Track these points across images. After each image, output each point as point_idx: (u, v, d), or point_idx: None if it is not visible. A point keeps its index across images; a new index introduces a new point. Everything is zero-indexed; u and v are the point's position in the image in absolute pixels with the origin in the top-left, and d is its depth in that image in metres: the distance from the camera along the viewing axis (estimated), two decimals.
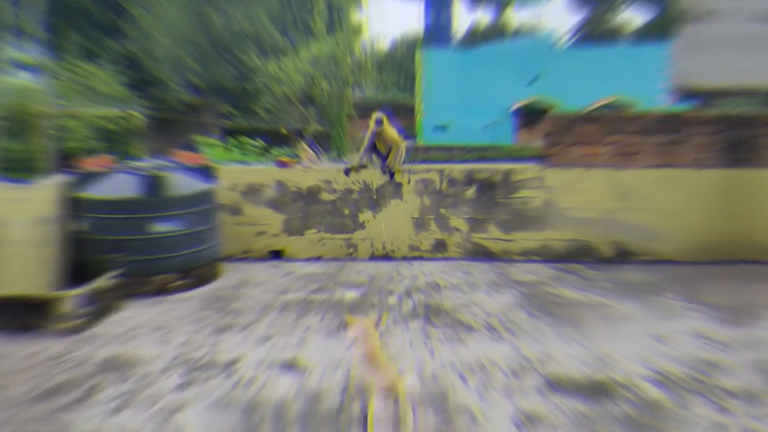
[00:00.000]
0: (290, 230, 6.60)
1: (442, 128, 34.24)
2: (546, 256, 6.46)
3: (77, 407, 3.39)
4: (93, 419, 3.26)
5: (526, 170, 6.43)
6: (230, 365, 3.95)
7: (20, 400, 3.50)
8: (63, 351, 4.18)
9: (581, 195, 6.36)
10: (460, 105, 33.20)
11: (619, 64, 33.86)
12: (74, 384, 3.68)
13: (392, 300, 5.26)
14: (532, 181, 6.39)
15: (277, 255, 6.62)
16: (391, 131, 6.42)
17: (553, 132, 6.37)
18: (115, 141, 20.36)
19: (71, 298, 4.76)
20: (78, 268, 5.67)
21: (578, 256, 6.43)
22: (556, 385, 3.63)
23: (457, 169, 6.53)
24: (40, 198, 5.36)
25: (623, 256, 6.41)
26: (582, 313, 4.89)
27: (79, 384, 3.68)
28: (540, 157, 6.72)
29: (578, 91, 34.27)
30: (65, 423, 3.22)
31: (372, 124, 6.28)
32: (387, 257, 6.56)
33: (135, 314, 4.95)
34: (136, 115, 8.17)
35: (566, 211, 6.39)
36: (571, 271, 6.13)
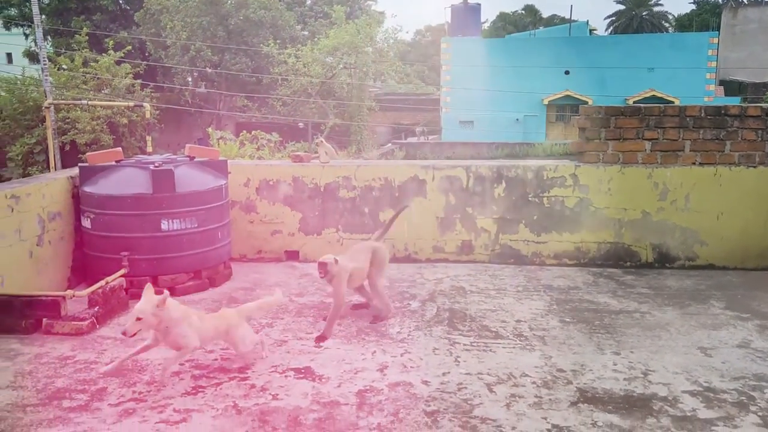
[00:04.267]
0: (307, 229, 6.61)
1: (468, 123, 34.10)
2: (580, 259, 6.39)
3: (85, 411, 3.42)
4: (99, 425, 3.28)
5: (558, 168, 6.36)
6: (242, 371, 3.96)
7: (31, 401, 3.55)
8: (69, 353, 4.22)
9: (618, 194, 6.27)
10: (488, 98, 33.10)
11: (661, 55, 33.46)
12: (81, 387, 3.71)
13: (414, 304, 5.23)
14: (566, 180, 6.32)
15: (292, 256, 6.64)
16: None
17: (588, 127, 6.30)
18: (125, 134, 20.63)
19: (78, 299, 4.82)
20: (84, 266, 5.75)
21: (615, 260, 6.34)
22: (590, 398, 3.58)
23: (485, 165, 6.48)
24: (50, 193, 5.44)
25: (663, 261, 6.30)
26: (619, 321, 4.83)
27: (86, 387, 3.71)
28: (574, 154, 6.64)
29: (615, 83, 33.90)
30: (74, 426, 3.25)
31: None
32: (409, 259, 6.54)
33: None
34: (147, 107, 8.24)
35: (602, 212, 6.31)
36: (608, 276, 6.05)
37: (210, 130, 16.48)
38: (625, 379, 3.82)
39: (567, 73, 34.01)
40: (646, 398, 3.57)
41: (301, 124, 29.77)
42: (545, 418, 3.36)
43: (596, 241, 6.36)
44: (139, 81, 22.06)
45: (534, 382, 3.79)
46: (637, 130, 6.23)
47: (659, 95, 32.07)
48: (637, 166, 6.25)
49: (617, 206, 6.30)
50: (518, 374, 3.90)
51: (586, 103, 30.29)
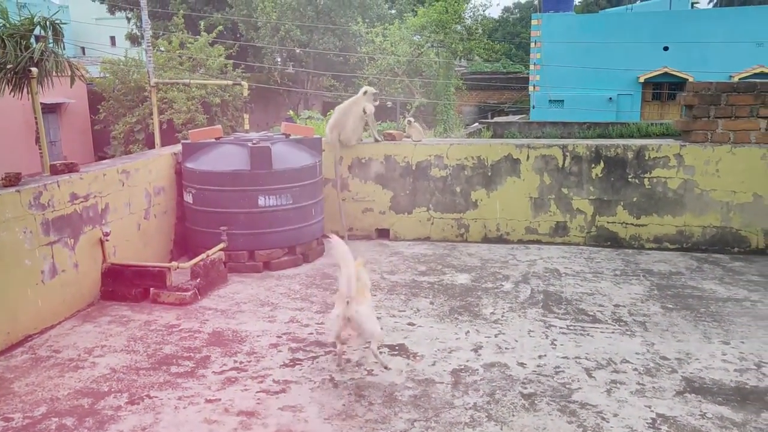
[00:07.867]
0: (398, 208, 6.63)
1: (558, 102, 33.11)
2: (682, 244, 6.10)
3: (191, 377, 3.59)
4: (205, 391, 3.44)
5: (662, 147, 6.07)
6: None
7: (143, 365, 3.77)
8: (175, 321, 4.44)
9: (727, 176, 5.92)
10: (579, 77, 32.00)
11: None
12: (187, 354, 3.90)
13: (507, 285, 5.16)
14: (669, 160, 6.02)
15: (383, 234, 6.69)
16: None
17: (697, 104, 5.96)
18: (217, 113, 21.32)
19: (181, 270, 5.05)
20: (185, 239, 6.01)
21: (721, 245, 6.01)
22: (698, 388, 3.42)
23: (583, 144, 6.27)
24: (156, 168, 5.70)
25: None
26: (727, 309, 4.58)
27: (191, 355, 3.89)
28: (674, 134, 6.32)
29: (719, 60, 31.92)
30: (182, 391, 3.42)
31: None
32: (501, 240, 6.45)
33: (240, 289, 5.17)
34: (245, 84, 8.46)
35: (709, 194, 5.98)
36: (713, 261, 5.75)
37: (291, 113, 16.76)
38: (736, 370, 3.62)
39: (666, 49, 32.30)
40: (761, 391, 3.38)
41: (389, 104, 29.82)
42: (649, 407, 3.24)
43: (701, 225, 6.05)
44: (231, 61, 22.72)
45: (636, 369, 3.66)
46: (751, 107, 5.84)
47: None
48: (750, 146, 5.88)
49: (726, 188, 5.95)
50: (618, 360, 3.78)
51: (686, 80, 28.67)
